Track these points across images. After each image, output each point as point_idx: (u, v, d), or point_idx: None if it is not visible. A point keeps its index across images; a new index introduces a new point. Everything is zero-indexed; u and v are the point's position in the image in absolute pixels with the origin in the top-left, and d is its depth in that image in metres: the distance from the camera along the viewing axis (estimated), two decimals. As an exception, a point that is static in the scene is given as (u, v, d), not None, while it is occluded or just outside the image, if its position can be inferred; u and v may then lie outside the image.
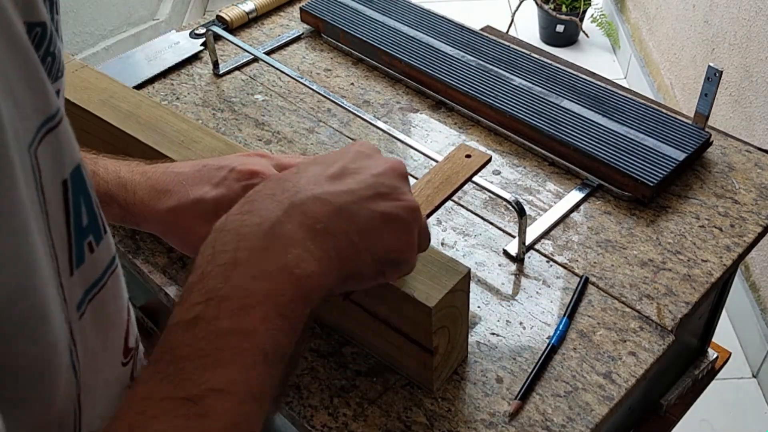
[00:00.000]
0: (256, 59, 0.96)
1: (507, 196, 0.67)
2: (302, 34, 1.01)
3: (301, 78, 0.85)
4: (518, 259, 0.70)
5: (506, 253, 0.70)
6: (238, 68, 0.96)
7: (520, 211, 0.67)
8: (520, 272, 0.69)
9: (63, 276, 0.35)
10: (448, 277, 0.54)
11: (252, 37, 1.02)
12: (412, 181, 0.78)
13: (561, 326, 0.63)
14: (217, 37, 0.94)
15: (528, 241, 0.71)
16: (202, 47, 0.99)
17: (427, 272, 0.54)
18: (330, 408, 0.59)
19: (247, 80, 0.94)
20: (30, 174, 0.31)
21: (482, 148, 0.83)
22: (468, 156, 0.61)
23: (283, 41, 1.00)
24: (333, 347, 0.64)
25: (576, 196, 0.76)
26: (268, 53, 0.98)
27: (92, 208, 0.37)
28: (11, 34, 0.28)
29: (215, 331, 0.37)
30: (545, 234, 0.73)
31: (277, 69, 0.87)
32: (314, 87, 0.84)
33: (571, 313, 0.65)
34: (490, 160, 0.62)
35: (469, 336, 0.63)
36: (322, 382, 0.61)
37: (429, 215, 0.57)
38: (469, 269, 0.54)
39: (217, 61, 0.95)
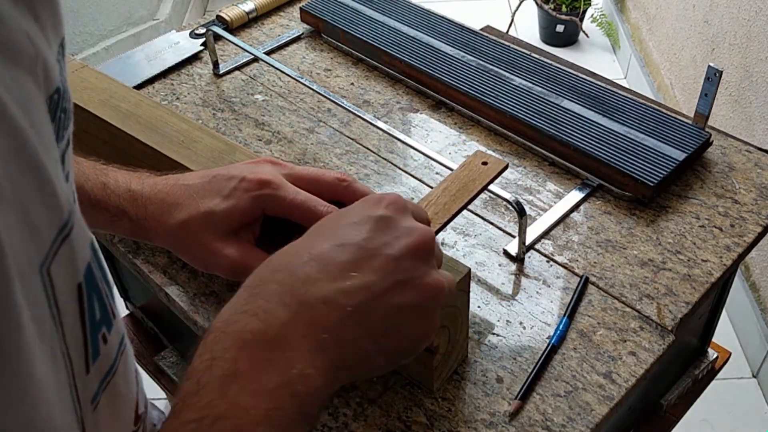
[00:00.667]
0: (256, 59, 0.96)
1: (507, 196, 0.67)
2: (302, 34, 1.01)
3: (301, 78, 0.85)
4: (518, 259, 0.70)
5: (506, 253, 0.70)
6: (238, 68, 0.96)
7: (521, 211, 0.67)
8: (520, 272, 0.69)
9: (78, 377, 0.33)
10: None
11: (252, 37, 1.02)
12: (419, 193, 0.78)
13: (561, 326, 0.63)
14: (218, 38, 0.94)
15: (528, 241, 0.71)
16: (202, 47, 0.99)
17: None
18: (330, 408, 0.59)
19: (247, 80, 0.94)
20: (41, 294, 0.29)
21: (482, 148, 0.83)
22: (484, 163, 0.60)
23: (283, 41, 1.00)
24: (333, 347, 0.63)
25: (576, 196, 0.76)
26: (269, 53, 0.98)
27: (103, 299, 0.35)
28: (26, 155, 0.27)
29: None
30: (545, 234, 0.73)
31: (277, 69, 0.87)
32: (314, 87, 0.84)
33: (571, 312, 0.65)
34: (506, 167, 0.62)
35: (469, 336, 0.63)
36: (322, 382, 0.61)
37: (446, 224, 0.56)
38: (470, 269, 0.54)
39: (217, 61, 0.95)
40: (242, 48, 0.89)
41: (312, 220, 0.54)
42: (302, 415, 0.38)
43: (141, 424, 0.46)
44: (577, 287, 0.67)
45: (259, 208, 0.55)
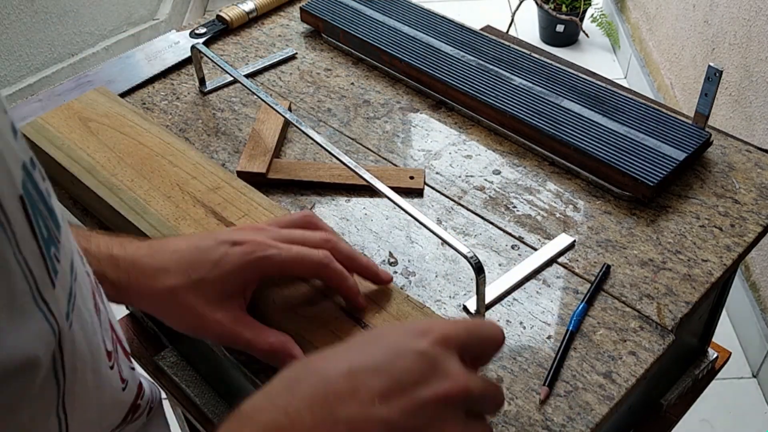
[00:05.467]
0: (236, 80, 0.87)
1: (465, 251, 0.61)
2: (296, 54, 0.98)
3: (276, 105, 0.83)
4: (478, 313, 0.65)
5: (465, 309, 0.66)
6: (225, 86, 0.92)
7: (478, 269, 0.61)
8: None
9: (45, 290, 0.34)
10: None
11: (252, 37, 1.02)
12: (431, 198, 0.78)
13: (578, 312, 0.64)
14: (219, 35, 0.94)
15: (490, 298, 0.66)
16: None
17: (401, 318, 0.53)
18: (330, 408, 0.59)
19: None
20: None
21: (482, 148, 0.83)
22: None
23: (276, 60, 0.97)
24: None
25: (551, 249, 0.70)
26: (263, 70, 0.95)
27: (46, 220, 0.36)
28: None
29: None
30: (509, 292, 0.68)
31: (253, 92, 0.82)
32: (279, 110, 0.83)
33: (589, 299, 0.65)
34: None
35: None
36: (322, 382, 0.61)
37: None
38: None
39: (203, 78, 0.91)
40: (224, 69, 0.83)
41: (310, 270, 0.57)
42: None
43: (115, 363, 0.47)
44: (598, 274, 0.67)
45: (253, 272, 0.56)
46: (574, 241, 0.71)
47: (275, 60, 0.97)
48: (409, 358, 0.42)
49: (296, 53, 0.98)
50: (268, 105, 0.77)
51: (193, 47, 0.88)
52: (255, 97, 0.91)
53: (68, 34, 1.81)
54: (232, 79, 0.91)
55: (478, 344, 0.46)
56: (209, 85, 0.92)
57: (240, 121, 0.87)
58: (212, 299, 0.55)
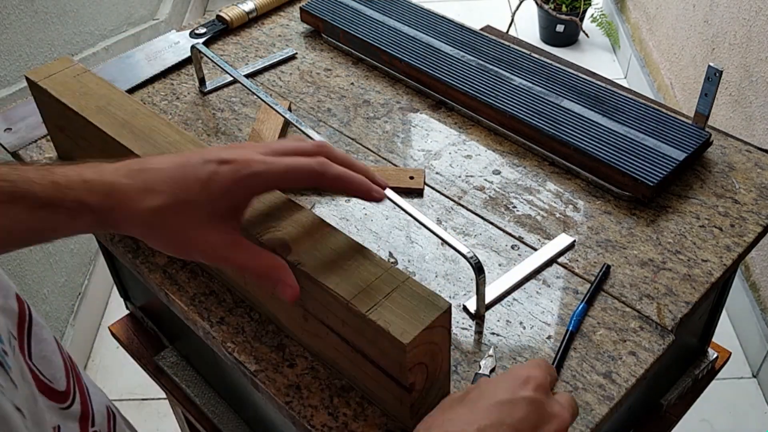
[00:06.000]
0: (236, 80, 0.87)
1: (464, 251, 0.61)
2: (296, 54, 0.98)
3: (276, 105, 0.82)
4: (478, 316, 0.66)
5: (465, 309, 0.66)
6: (225, 86, 0.93)
7: (478, 270, 0.61)
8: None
9: None
10: (427, 313, 0.50)
11: (252, 37, 1.02)
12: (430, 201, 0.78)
13: (578, 312, 0.64)
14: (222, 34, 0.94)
15: (490, 298, 0.67)
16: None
17: (407, 305, 0.51)
18: (330, 408, 0.59)
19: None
20: None
21: (482, 148, 0.83)
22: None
23: (276, 60, 0.97)
24: (333, 347, 0.63)
25: (552, 250, 0.71)
26: (262, 71, 0.95)
27: None
28: None
29: None
30: (510, 291, 0.68)
31: (253, 92, 0.80)
32: (279, 110, 0.82)
33: (589, 299, 0.65)
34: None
35: (467, 340, 0.63)
36: (322, 382, 0.61)
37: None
38: (450, 305, 0.51)
39: (203, 78, 0.91)
40: (223, 69, 0.82)
41: (305, 180, 0.53)
42: None
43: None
44: (598, 274, 0.67)
45: (244, 192, 0.52)
46: (574, 241, 0.71)
47: (275, 60, 0.97)
48: (521, 407, 0.48)
49: (296, 53, 0.98)
50: (268, 105, 0.77)
51: (193, 47, 0.88)
52: (255, 97, 0.91)
53: (68, 34, 1.81)
54: (232, 79, 0.91)
55: (553, 381, 0.53)
56: (209, 85, 0.92)
57: (240, 121, 0.87)
58: (203, 221, 0.51)
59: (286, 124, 0.85)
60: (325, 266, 0.54)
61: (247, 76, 0.94)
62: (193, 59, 0.90)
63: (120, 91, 0.74)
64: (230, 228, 0.53)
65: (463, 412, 0.48)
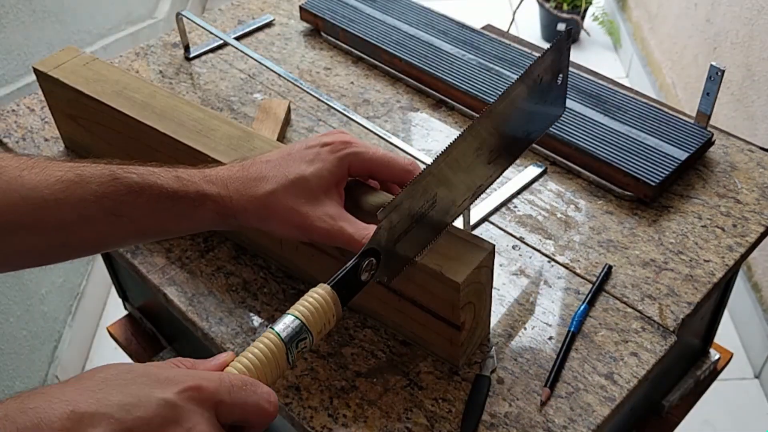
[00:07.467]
0: (226, 43, 0.96)
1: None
2: (273, 20, 1.03)
3: (277, 67, 0.85)
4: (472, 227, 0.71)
5: None
6: (211, 51, 0.98)
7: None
8: (521, 272, 0.69)
9: None
10: (474, 254, 0.55)
11: (252, 37, 1.01)
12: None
13: (579, 312, 0.63)
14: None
15: (484, 213, 0.73)
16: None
17: (453, 250, 0.55)
18: (330, 409, 0.58)
19: (246, 79, 0.93)
20: None
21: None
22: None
23: (254, 26, 1.01)
24: (333, 348, 0.63)
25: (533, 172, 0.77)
26: (239, 38, 0.99)
27: None
28: None
29: None
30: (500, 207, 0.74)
31: (245, 53, 0.87)
32: (279, 71, 0.85)
33: (591, 299, 0.65)
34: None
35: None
36: (322, 383, 0.60)
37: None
38: (494, 246, 0.56)
39: (188, 44, 0.97)
40: (211, 32, 0.90)
41: (396, 173, 0.58)
42: None
43: None
44: (599, 275, 0.67)
45: (345, 167, 0.57)
46: (545, 168, 0.73)
47: (254, 27, 1.01)
48: (150, 407, 0.37)
49: (274, 19, 1.03)
50: (260, 63, 0.83)
51: (178, 14, 0.92)
52: (253, 96, 0.90)
53: (66, 33, 1.81)
54: (219, 43, 0.98)
55: (241, 409, 0.41)
56: (194, 51, 0.97)
57: (239, 121, 0.87)
58: (312, 196, 0.55)
59: (286, 123, 0.85)
60: None
61: (224, 45, 0.98)
62: (178, 27, 0.94)
63: (133, 76, 0.74)
64: (335, 202, 0.57)
65: (78, 386, 0.38)
